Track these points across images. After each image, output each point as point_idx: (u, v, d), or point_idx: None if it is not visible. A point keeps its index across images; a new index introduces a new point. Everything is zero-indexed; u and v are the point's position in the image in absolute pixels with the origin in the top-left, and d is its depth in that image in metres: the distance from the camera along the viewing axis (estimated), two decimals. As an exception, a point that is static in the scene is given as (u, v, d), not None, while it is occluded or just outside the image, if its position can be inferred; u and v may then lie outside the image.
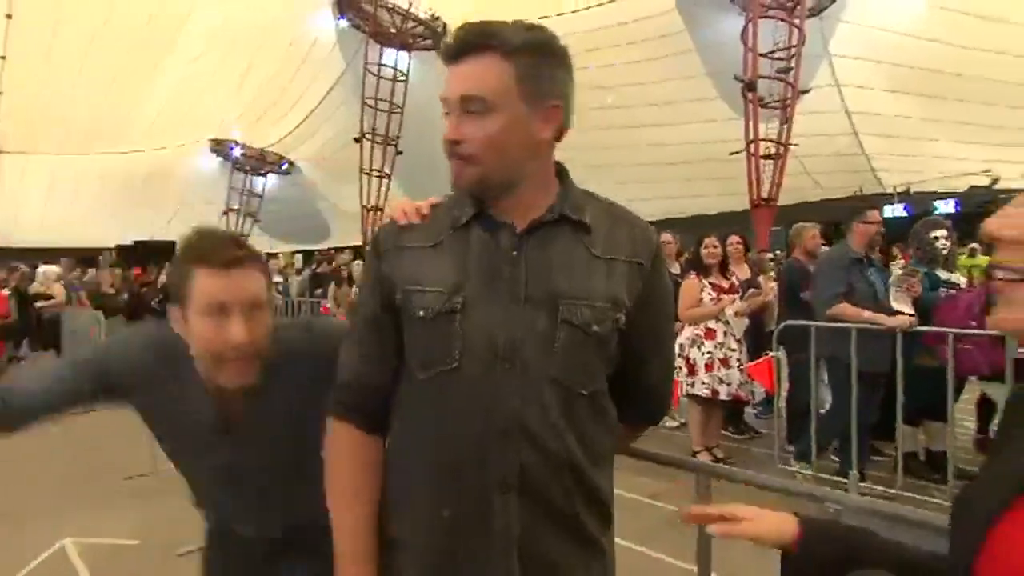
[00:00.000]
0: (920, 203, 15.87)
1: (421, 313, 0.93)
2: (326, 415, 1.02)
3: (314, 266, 13.38)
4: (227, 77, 18.18)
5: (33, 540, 3.38)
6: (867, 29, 16.65)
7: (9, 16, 14.43)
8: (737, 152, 16.36)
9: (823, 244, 4.56)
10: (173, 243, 18.17)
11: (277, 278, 10.45)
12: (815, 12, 16.61)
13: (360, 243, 20.61)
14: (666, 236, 5.28)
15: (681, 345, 4.00)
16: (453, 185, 0.96)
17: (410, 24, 19.87)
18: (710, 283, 4.01)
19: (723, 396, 3.87)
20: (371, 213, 20.47)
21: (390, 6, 19.38)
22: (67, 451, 4.98)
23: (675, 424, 5.09)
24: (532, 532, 0.91)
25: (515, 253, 0.93)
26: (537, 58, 0.91)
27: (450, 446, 0.92)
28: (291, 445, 1.17)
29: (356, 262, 9.65)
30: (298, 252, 17.50)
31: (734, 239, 4.76)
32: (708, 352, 3.93)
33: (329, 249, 17.52)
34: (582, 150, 20.05)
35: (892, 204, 15.72)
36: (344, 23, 19.65)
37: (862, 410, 3.25)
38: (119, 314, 7.62)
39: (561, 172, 1.02)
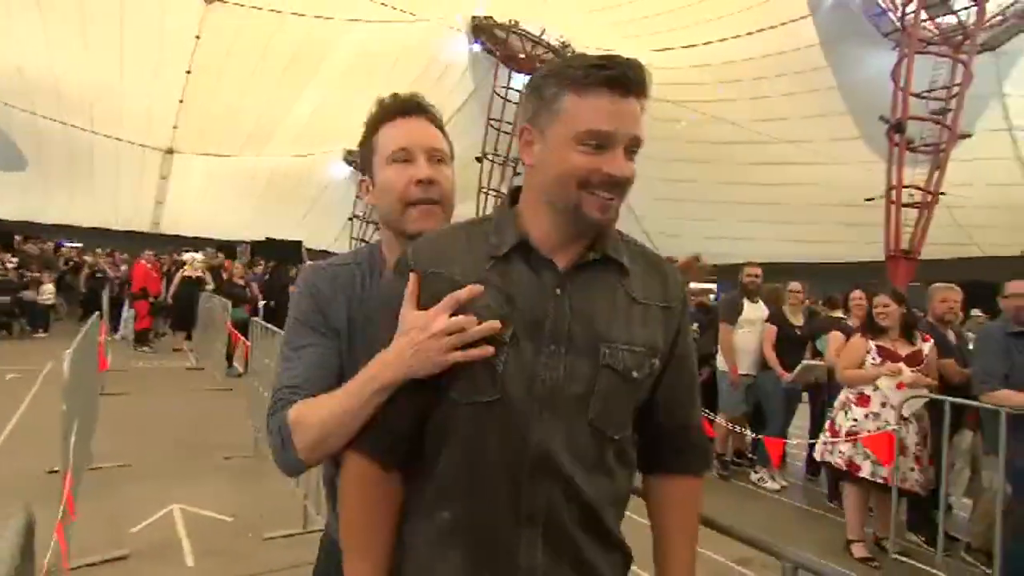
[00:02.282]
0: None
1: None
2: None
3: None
4: (365, 95, 19.55)
5: (148, 498, 3.73)
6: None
7: (198, 37, 16.65)
8: (873, 199, 14.99)
9: (955, 309, 3.85)
10: (299, 242, 19.85)
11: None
12: (989, 47, 14.86)
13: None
14: (794, 285, 4.87)
15: (831, 407, 3.68)
16: (594, 221, 0.90)
17: (540, 50, 20.37)
18: (877, 346, 3.49)
19: (864, 474, 3.31)
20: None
21: (522, 33, 20.01)
22: (180, 426, 5.50)
23: (775, 486, 4.65)
24: (554, 571, 0.88)
25: (559, 292, 0.91)
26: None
27: (482, 472, 0.89)
28: None
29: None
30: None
31: (857, 294, 4.29)
32: (854, 419, 3.46)
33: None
34: (706, 184, 19.46)
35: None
36: (477, 47, 20.57)
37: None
38: (244, 304, 8.31)
39: None
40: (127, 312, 10.58)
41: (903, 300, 3.44)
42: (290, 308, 1.13)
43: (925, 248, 14.54)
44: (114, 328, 10.09)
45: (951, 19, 15.03)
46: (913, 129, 14.42)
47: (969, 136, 14.58)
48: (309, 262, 1.10)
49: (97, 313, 5.83)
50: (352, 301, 1.10)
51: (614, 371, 0.90)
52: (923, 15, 14.43)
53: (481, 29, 20.10)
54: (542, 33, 20.13)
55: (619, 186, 0.89)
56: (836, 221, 18.23)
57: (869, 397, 3.43)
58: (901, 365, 3.37)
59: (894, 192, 14.48)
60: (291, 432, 0.95)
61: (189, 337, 10.11)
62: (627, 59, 0.87)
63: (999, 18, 14.92)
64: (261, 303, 11.41)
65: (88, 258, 14.27)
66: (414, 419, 0.92)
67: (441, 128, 1.18)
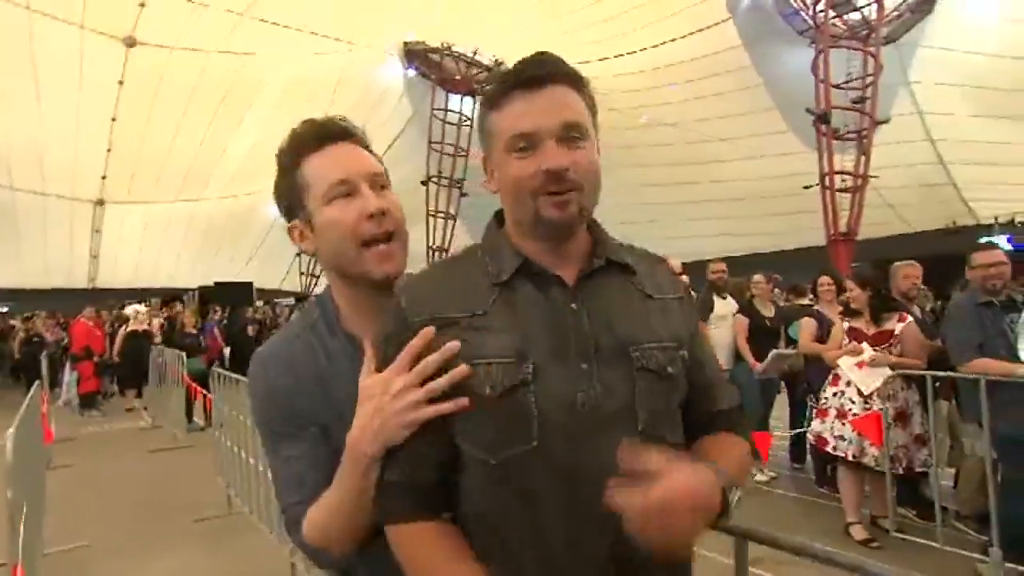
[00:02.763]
0: (1024, 233, 14.61)
1: (488, 390, 0.81)
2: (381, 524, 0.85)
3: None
4: (303, 128, 19.31)
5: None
6: (947, 53, 15.83)
7: (121, 82, 15.99)
8: (811, 186, 15.70)
9: (917, 284, 4.01)
10: (250, 284, 19.21)
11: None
12: (891, 40, 15.94)
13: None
14: (757, 277, 4.93)
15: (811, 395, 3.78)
16: (552, 221, 0.84)
17: (475, 70, 20.54)
18: (849, 327, 3.62)
19: (839, 452, 3.44)
20: (436, 254, 20.89)
21: (456, 54, 20.14)
22: (140, 492, 5.12)
23: (764, 478, 4.68)
24: None
25: (574, 306, 0.85)
26: (590, 90, 0.90)
27: (539, 534, 0.80)
28: None
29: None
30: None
31: (824, 280, 4.40)
32: (825, 398, 3.61)
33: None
34: (649, 187, 19.91)
35: (991, 236, 14.57)
36: (412, 72, 20.57)
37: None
38: (199, 354, 7.91)
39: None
40: (69, 375, 9.90)
41: (867, 283, 3.55)
42: (252, 411, 1.02)
43: (860, 229, 15.31)
44: (55, 395, 9.42)
45: (856, 15, 16.07)
46: (837, 118, 15.24)
47: (886, 122, 15.51)
48: (260, 348, 0.97)
49: (37, 381, 5.40)
50: (322, 377, 0.96)
51: (650, 371, 0.85)
52: (831, 13, 15.34)
53: (414, 54, 20.14)
54: (475, 53, 20.32)
55: (563, 179, 0.82)
56: (774, 212, 19.00)
57: (838, 376, 3.56)
58: (864, 345, 3.47)
59: (828, 179, 15.22)
60: (313, 546, 0.92)
61: (140, 395, 9.54)
62: (534, 55, 0.86)
63: (895, 13, 16.03)
64: (227, 350, 11.03)
65: (15, 322, 13.35)
66: (437, 465, 0.85)
67: (370, 149, 1.04)
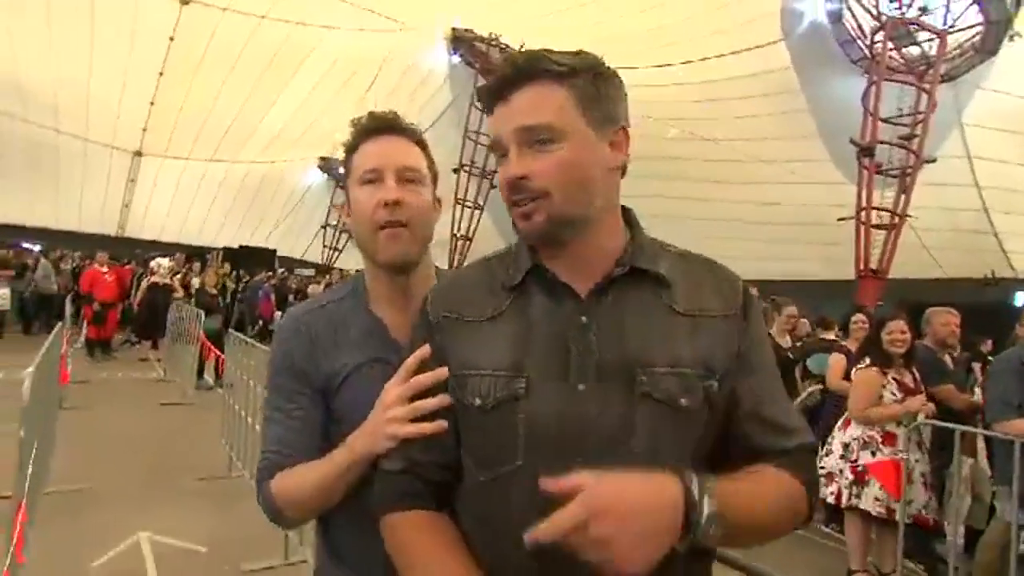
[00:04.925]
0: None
1: (478, 402, 0.79)
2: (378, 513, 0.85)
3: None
4: (343, 102, 19.39)
5: (113, 526, 3.45)
6: (1006, 98, 15.36)
7: (172, 38, 16.23)
8: (846, 218, 15.38)
9: (956, 332, 3.84)
10: (273, 251, 19.41)
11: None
12: (949, 78, 15.49)
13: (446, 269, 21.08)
14: (791, 310, 4.76)
15: (846, 445, 3.36)
16: (521, 235, 0.82)
17: (520, 64, 20.45)
18: (895, 380, 3.31)
19: (898, 517, 3.11)
20: (459, 242, 20.90)
21: (502, 46, 20.06)
22: (147, 444, 5.18)
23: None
24: None
25: (584, 319, 0.78)
26: (594, 78, 0.80)
27: (509, 563, 0.75)
28: None
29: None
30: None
31: (859, 317, 4.24)
32: (838, 441, 3.32)
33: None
34: (674, 199, 19.69)
35: (1028, 292, 14.17)
36: (456, 59, 20.54)
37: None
38: (216, 313, 7.99)
39: (629, 218, 0.87)
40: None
41: (912, 327, 3.38)
42: (269, 362, 1.10)
43: (891, 268, 14.97)
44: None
45: (915, 50, 15.66)
46: (881, 153, 14.90)
47: (933, 161, 15.11)
48: (292, 307, 1.10)
49: (60, 323, 5.48)
50: (334, 348, 1.04)
51: (656, 401, 0.74)
52: (890, 44, 14.97)
53: (461, 40, 20.09)
54: (522, 47, 20.22)
55: (520, 188, 0.78)
56: (804, 240, 18.64)
57: (895, 435, 3.25)
58: (923, 397, 3.27)
59: (864, 213, 14.90)
60: (277, 503, 0.99)
61: (155, 346, 9.68)
62: (510, 57, 0.84)
63: (958, 50, 15.58)
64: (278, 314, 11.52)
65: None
66: (437, 468, 0.84)
67: (421, 145, 1.11)
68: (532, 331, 0.80)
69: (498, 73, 0.81)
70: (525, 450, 0.76)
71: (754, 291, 0.85)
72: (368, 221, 1.02)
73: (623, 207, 0.87)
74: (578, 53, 0.82)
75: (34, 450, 2.79)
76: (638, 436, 0.74)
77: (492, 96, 0.81)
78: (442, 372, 0.83)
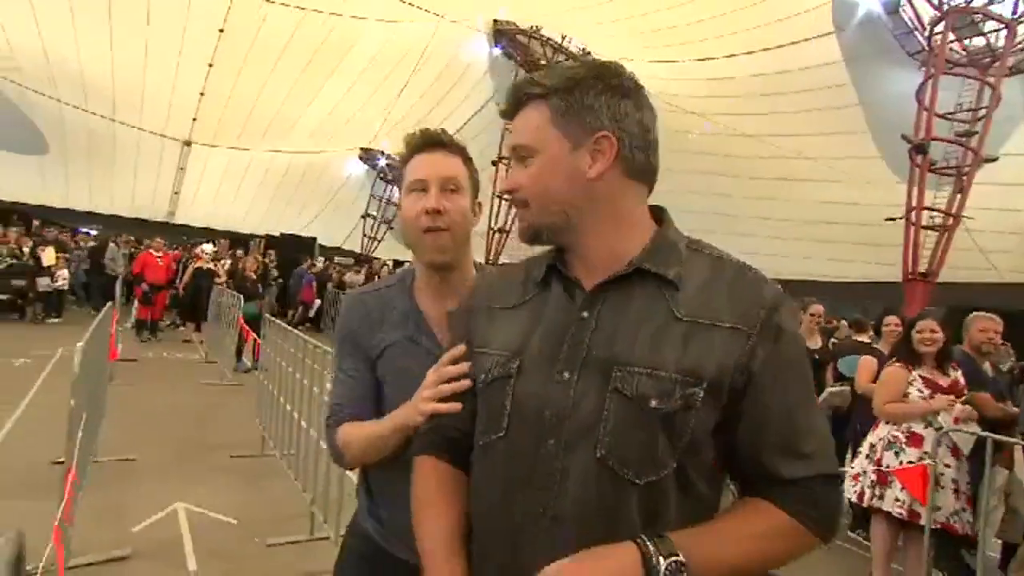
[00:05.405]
0: None
1: (483, 377, 0.91)
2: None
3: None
4: (384, 94, 19.67)
5: (153, 495, 3.66)
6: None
7: (221, 30, 16.76)
8: (895, 218, 14.76)
9: (994, 339, 3.65)
10: (314, 239, 19.87)
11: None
12: (1017, 71, 14.59)
13: (484, 261, 21.19)
14: (816, 308, 4.65)
15: (872, 446, 3.29)
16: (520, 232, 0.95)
17: (560, 57, 20.31)
18: (921, 376, 3.23)
19: (923, 521, 3.02)
20: (497, 234, 20.98)
21: (544, 39, 19.97)
22: (187, 421, 5.44)
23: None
24: None
25: (585, 314, 0.84)
26: (573, 93, 0.85)
27: (486, 524, 0.86)
28: None
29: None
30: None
31: (892, 320, 4.10)
32: (909, 463, 3.15)
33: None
34: (714, 196, 19.28)
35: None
36: (498, 51, 20.55)
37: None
38: (255, 299, 8.26)
39: (662, 218, 0.91)
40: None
41: (947, 327, 3.27)
42: (336, 331, 1.34)
43: (943, 271, 14.31)
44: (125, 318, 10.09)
45: (980, 41, 14.84)
46: (936, 150, 14.21)
47: (994, 160, 14.32)
48: (352, 290, 1.39)
49: (109, 302, 5.79)
50: (381, 325, 1.25)
51: (626, 399, 0.78)
52: (951, 36, 14.24)
53: (503, 33, 20.08)
54: (564, 39, 20.08)
55: (513, 199, 0.91)
56: (850, 240, 17.99)
57: (922, 436, 3.15)
58: (952, 397, 3.15)
59: (914, 213, 14.28)
60: (341, 449, 1.21)
61: (199, 329, 10.09)
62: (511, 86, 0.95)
63: (1030, 40, 14.68)
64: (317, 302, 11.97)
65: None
66: (462, 435, 0.96)
67: (465, 158, 1.26)
68: (540, 321, 0.88)
69: (504, 99, 0.93)
70: (509, 423, 0.85)
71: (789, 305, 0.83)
72: (414, 226, 1.19)
73: (656, 207, 0.92)
74: (583, 65, 0.88)
75: (83, 420, 2.97)
76: (605, 428, 0.78)
77: (504, 118, 0.94)
78: (464, 367, 0.97)
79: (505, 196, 0.92)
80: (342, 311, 1.32)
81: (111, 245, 12.85)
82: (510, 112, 0.91)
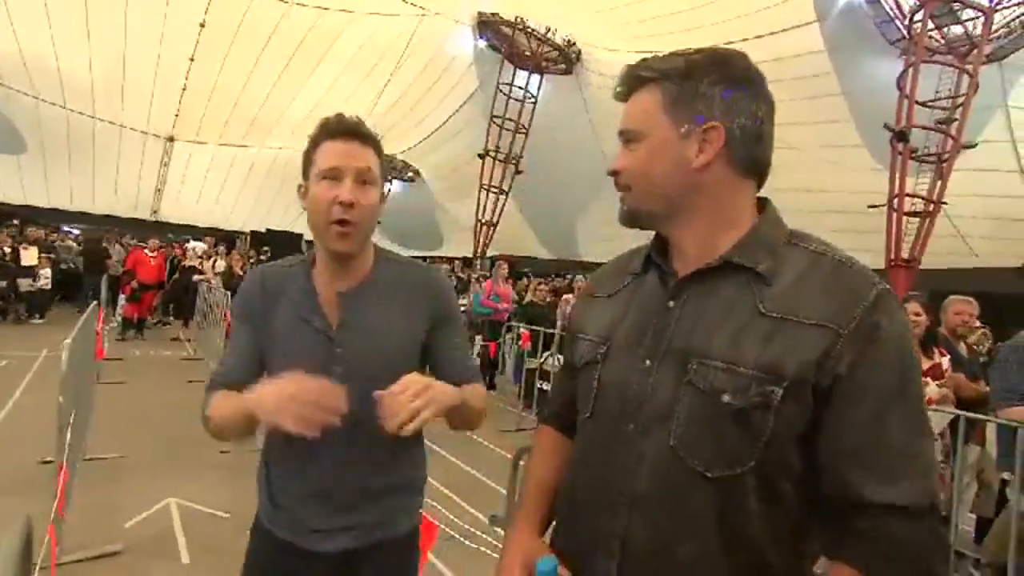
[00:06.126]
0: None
1: (577, 360, 0.97)
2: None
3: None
4: (369, 87, 19.54)
5: (144, 491, 3.67)
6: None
7: (202, 24, 16.53)
8: (877, 206, 14.96)
9: (969, 322, 3.73)
10: (300, 235, 19.76)
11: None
12: (995, 59, 14.81)
13: (471, 255, 21.17)
14: (913, 306, 4.47)
15: None
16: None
17: (545, 48, 20.28)
18: None
19: None
20: (484, 228, 20.97)
21: (529, 30, 19.91)
22: (176, 417, 5.40)
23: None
24: None
25: (671, 304, 0.86)
26: (688, 79, 0.83)
27: (570, 497, 0.93)
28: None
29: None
30: (413, 258, 18.22)
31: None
32: None
33: (437, 258, 18.07)
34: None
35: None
36: (483, 43, 20.46)
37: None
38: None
39: (765, 209, 0.89)
40: (121, 298, 10.51)
41: (930, 311, 3.35)
42: (234, 299, 1.36)
43: (924, 257, 14.54)
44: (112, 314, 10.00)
45: (958, 29, 15.04)
46: (917, 138, 14.40)
47: (973, 146, 14.55)
48: (262, 265, 1.45)
49: (95, 301, 5.75)
50: (276, 297, 1.27)
51: (698, 390, 0.78)
52: (930, 24, 14.41)
53: (487, 25, 19.99)
54: (548, 31, 20.03)
55: (616, 182, 0.92)
56: (831, 228, 18.20)
57: None
58: (928, 379, 3.23)
59: (897, 200, 14.48)
60: (207, 413, 1.23)
61: (186, 325, 10.03)
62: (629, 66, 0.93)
63: (1005, 29, 14.90)
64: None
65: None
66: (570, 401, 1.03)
67: (377, 150, 1.26)
68: (631, 309, 0.91)
69: (618, 80, 0.91)
70: (595, 406, 0.91)
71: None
72: (323, 213, 1.19)
73: (762, 200, 0.90)
74: (699, 51, 0.86)
75: (72, 418, 2.98)
76: (678, 419, 0.80)
77: (617, 100, 0.93)
78: (328, 388, 1.02)
79: (611, 175, 0.91)
80: (243, 283, 1.35)
81: (117, 246, 12.74)
82: (624, 95, 0.90)
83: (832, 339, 0.74)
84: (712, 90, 0.83)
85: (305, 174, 1.26)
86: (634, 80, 0.88)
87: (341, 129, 1.22)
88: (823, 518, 0.79)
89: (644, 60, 0.88)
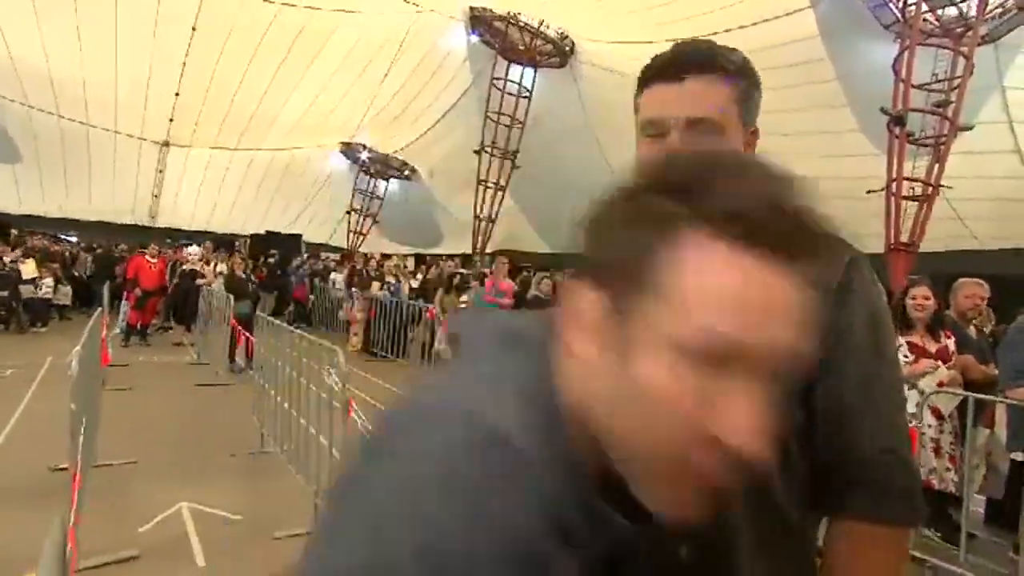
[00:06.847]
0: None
1: None
2: None
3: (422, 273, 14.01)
4: (364, 86, 19.47)
5: (156, 496, 3.68)
6: (1052, 61, 14.63)
7: (194, 28, 16.45)
8: (875, 190, 14.95)
9: (980, 306, 3.73)
10: (299, 236, 19.74)
11: (389, 279, 10.95)
12: (990, 40, 14.77)
13: (470, 251, 21.15)
14: (923, 289, 4.43)
15: None
16: None
17: (539, 42, 20.21)
18: (907, 342, 3.29)
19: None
20: (482, 223, 20.93)
21: (521, 24, 19.84)
22: (184, 422, 5.44)
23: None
24: None
25: None
26: (750, 81, 0.85)
27: None
28: None
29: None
30: (410, 256, 18.22)
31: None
32: None
33: (440, 256, 18.06)
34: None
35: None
36: (475, 39, 20.38)
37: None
38: (246, 298, 8.22)
39: None
40: (124, 305, 10.50)
41: (937, 293, 3.35)
42: None
43: (924, 241, 14.55)
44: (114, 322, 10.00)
45: (952, 11, 15.00)
46: (914, 121, 14.38)
47: (970, 128, 14.52)
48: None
49: (99, 308, 5.75)
50: None
51: None
52: (924, 7, 14.37)
53: (479, 20, 19.92)
54: (541, 24, 19.96)
55: None
56: (833, 213, 18.16)
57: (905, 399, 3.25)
58: (938, 362, 3.24)
59: (895, 184, 14.47)
60: None
61: (189, 330, 10.03)
62: (686, 43, 0.86)
63: (999, 10, 14.85)
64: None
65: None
66: None
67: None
68: None
69: (672, 54, 0.83)
70: None
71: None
72: None
73: None
74: (735, 50, 0.86)
75: (83, 424, 2.99)
76: None
77: (661, 74, 0.83)
78: None
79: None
80: None
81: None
82: (680, 74, 0.81)
83: (824, 297, 0.74)
84: (758, 94, 0.86)
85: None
86: (710, 63, 0.81)
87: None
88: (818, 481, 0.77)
89: (719, 50, 0.83)
